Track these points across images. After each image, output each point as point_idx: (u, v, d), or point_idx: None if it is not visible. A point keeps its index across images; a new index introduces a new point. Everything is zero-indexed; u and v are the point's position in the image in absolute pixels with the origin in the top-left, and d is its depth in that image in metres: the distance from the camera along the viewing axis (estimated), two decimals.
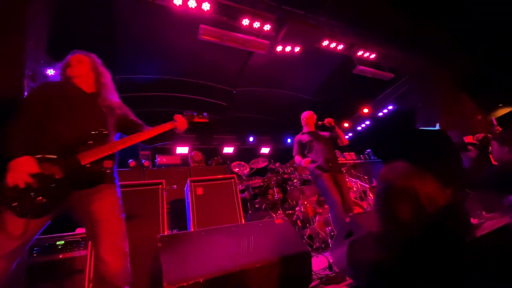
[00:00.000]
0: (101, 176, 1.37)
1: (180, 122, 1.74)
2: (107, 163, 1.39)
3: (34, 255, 2.39)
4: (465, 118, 5.05)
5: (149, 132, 1.61)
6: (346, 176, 4.23)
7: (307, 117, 3.51)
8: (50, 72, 4.24)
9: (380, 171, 1.07)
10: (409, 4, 4.32)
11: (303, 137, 3.40)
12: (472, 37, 4.69)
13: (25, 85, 2.85)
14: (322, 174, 3.05)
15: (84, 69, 1.60)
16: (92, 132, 1.39)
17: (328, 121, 3.27)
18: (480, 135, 2.62)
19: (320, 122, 3.35)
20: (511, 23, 4.27)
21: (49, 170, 1.24)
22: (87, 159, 1.32)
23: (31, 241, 1.29)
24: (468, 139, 2.88)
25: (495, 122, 3.20)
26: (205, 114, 1.95)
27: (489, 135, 2.52)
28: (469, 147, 2.60)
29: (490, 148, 2.29)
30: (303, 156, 3.32)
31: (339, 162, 3.49)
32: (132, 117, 1.74)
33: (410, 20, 4.56)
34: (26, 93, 2.76)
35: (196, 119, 1.90)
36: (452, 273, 0.83)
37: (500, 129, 3.03)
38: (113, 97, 1.69)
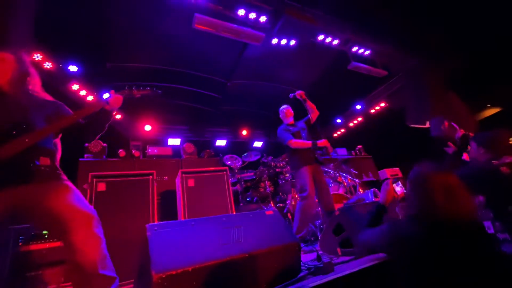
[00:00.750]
0: (27, 171, 1.33)
1: (113, 98, 1.65)
2: (43, 160, 1.38)
3: (20, 244, 2.34)
4: (455, 118, 5.16)
5: (76, 114, 1.55)
6: (337, 171, 4.28)
7: (287, 111, 3.52)
8: (38, 57, 4.11)
9: (415, 167, 1.34)
10: (404, 3, 4.34)
11: (290, 128, 3.41)
12: (464, 37, 4.77)
13: None
14: (303, 166, 3.09)
15: (6, 68, 1.53)
16: (10, 128, 1.35)
17: (299, 93, 3.27)
18: (461, 133, 2.68)
19: (291, 95, 3.34)
20: (501, 25, 4.35)
21: None
22: (4, 154, 1.28)
23: None
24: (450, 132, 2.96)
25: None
26: (147, 88, 1.86)
27: (470, 133, 2.58)
28: (449, 143, 2.66)
29: (468, 147, 2.35)
30: None
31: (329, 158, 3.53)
32: (66, 111, 1.65)
33: (405, 19, 4.59)
34: None
35: (135, 92, 1.81)
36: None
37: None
38: (42, 95, 1.64)
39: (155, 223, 1.86)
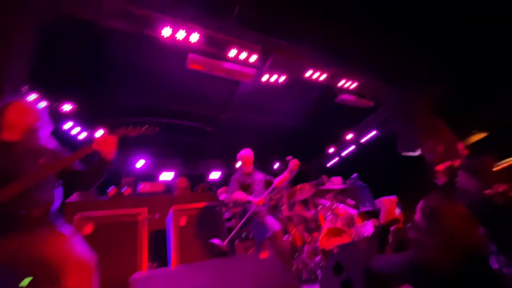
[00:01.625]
0: (24, 221, 1.29)
1: (100, 138, 1.52)
2: (35, 208, 1.35)
3: None
4: (444, 144, 5.26)
5: (68, 158, 1.50)
6: (334, 203, 4.20)
7: (247, 156, 3.30)
8: (33, 96, 4.16)
9: (425, 199, 1.41)
10: (389, 36, 4.64)
11: (244, 178, 3.22)
12: (449, 66, 5.04)
13: None
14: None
15: (29, 120, 1.57)
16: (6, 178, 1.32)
17: (295, 164, 3.10)
18: (446, 164, 2.69)
19: (288, 158, 3.17)
20: (485, 53, 4.64)
21: None
22: None
23: None
24: (439, 167, 2.97)
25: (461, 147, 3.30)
26: (144, 127, 1.69)
27: (455, 162, 2.58)
28: (438, 175, 2.65)
29: (456, 178, 2.33)
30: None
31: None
32: (62, 156, 1.61)
33: (390, 51, 4.89)
34: None
35: (130, 131, 1.65)
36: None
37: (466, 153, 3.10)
38: (43, 142, 1.62)
39: (141, 272, 1.74)
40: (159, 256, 3.62)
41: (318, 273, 3.00)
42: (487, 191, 1.85)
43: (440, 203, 1.33)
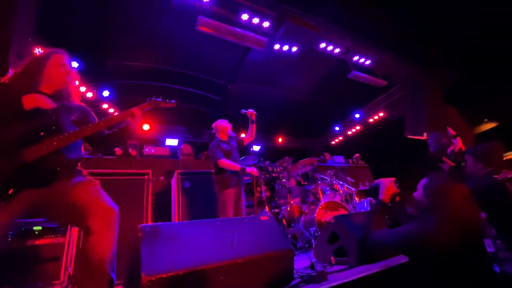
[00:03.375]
0: (51, 175, 1.32)
1: (136, 114, 1.64)
2: (68, 164, 1.39)
3: (9, 239, 2.30)
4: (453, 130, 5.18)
5: (103, 122, 1.54)
6: (334, 179, 4.28)
7: (225, 127, 3.37)
8: (38, 51, 4.09)
9: (428, 178, 1.46)
10: (406, 15, 4.40)
11: (224, 145, 3.24)
12: (462, 51, 4.83)
13: (10, 61, 2.73)
14: (228, 189, 3.03)
15: (64, 73, 1.56)
16: (40, 129, 1.34)
17: (251, 113, 3.25)
18: (457, 148, 2.63)
19: (243, 111, 3.27)
20: (499, 39, 4.41)
21: None
22: (31, 155, 1.27)
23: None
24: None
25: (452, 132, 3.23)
26: (172, 101, 1.85)
27: (462, 148, 2.55)
28: (444, 158, 2.63)
29: (463, 163, 2.30)
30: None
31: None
32: (92, 117, 1.67)
33: (406, 31, 4.65)
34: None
35: (162, 105, 1.81)
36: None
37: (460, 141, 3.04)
38: (72, 99, 1.64)
39: (148, 224, 1.84)
40: (161, 216, 3.80)
41: (312, 242, 3.15)
42: (496, 176, 1.81)
43: (444, 182, 1.37)
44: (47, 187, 1.31)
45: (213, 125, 3.42)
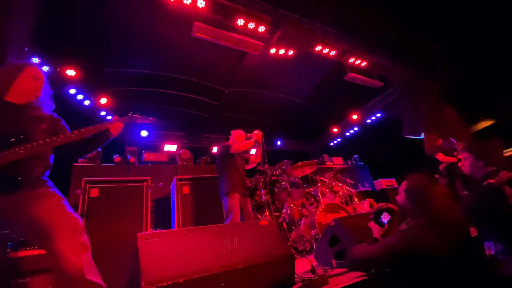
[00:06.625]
0: (13, 183, 1.33)
1: (115, 125, 1.73)
2: (34, 172, 1.41)
3: (8, 250, 2.27)
4: (449, 130, 5.22)
5: (75, 134, 1.57)
6: (333, 181, 4.28)
7: (240, 135, 3.46)
8: (35, 60, 4.10)
9: (407, 180, 1.46)
10: (401, 16, 4.44)
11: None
12: (458, 50, 4.87)
13: None
14: (234, 194, 3.04)
15: (38, 86, 1.63)
16: (8, 137, 1.37)
17: (257, 134, 3.31)
18: (446, 163, 2.61)
19: (248, 135, 3.34)
20: (495, 38, 4.46)
21: None
22: None
23: None
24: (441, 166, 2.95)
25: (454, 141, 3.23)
26: (150, 117, 1.98)
27: (455, 157, 2.53)
28: (435, 175, 2.61)
29: (461, 160, 2.26)
30: None
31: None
32: (62, 127, 1.69)
33: (402, 31, 4.69)
34: None
35: (139, 120, 1.94)
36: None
37: (462, 146, 3.02)
38: (44, 108, 1.68)
39: (147, 232, 1.83)
40: (161, 223, 3.78)
41: (313, 245, 3.14)
42: (492, 180, 1.74)
43: (423, 183, 1.37)
44: (7, 194, 1.31)
45: (232, 132, 3.54)
